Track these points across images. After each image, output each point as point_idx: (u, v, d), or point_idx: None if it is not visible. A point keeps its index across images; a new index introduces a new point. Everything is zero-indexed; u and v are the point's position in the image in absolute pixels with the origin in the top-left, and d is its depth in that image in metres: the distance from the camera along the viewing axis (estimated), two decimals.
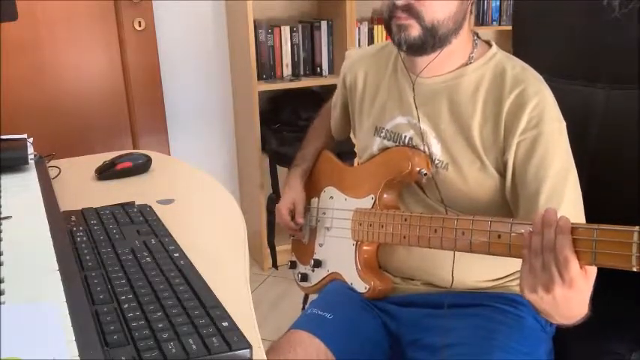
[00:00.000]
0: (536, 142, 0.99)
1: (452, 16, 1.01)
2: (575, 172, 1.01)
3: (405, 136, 1.12)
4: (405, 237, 1.04)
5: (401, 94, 1.13)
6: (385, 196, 1.13)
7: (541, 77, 1.04)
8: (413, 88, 1.09)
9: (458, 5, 1.02)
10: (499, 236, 0.89)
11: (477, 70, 1.06)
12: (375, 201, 1.13)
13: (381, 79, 1.18)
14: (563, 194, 0.98)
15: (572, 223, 0.79)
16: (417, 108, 1.09)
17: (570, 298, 0.80)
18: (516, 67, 1.04)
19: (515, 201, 1.03)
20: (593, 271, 0.79)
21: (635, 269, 0.73)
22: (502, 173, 1.04)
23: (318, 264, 1.26)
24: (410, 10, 0.99)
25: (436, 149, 1.08)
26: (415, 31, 1.00)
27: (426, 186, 1.11)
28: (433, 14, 0.99)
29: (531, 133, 0.99)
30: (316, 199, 1.32)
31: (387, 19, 1.04)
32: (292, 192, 1.34)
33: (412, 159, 1.08)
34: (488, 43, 1.11)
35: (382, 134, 1.16)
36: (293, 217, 1.32)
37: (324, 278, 1.25)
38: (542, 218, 0.80)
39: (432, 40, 1.01)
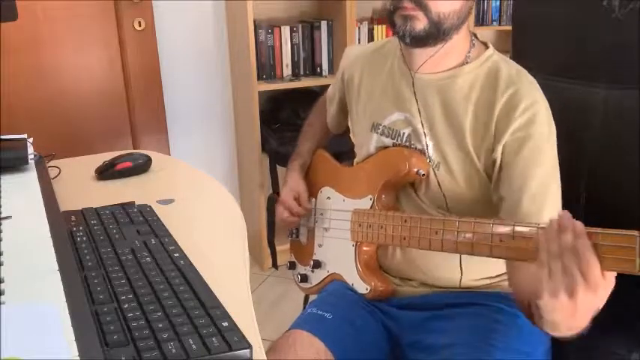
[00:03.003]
0: (524, 143, 0.99)
1: (457, 10, 1.01)
2: (559, 177, 1.01)
3: (404, 133, 1.12)
4: (404, 238, 1.03)
5: (398, 90, 1.13)
6: (384, 196, 1.13)
7: (535, 81, 1.04)
8: (413, 83, 1.09)
9: (463, 2, 1.02)
10: (501, 240, 0.89)
11: (472, 70, 1.06)
12: (373, 201, 1.13)
13: (379, 76, 1.18)
14: (546, 197, 0.98)
15: (586, 228, 0.77)
16: (417, 102, 1.09)
17: (592, 304, 0.78)
18: (511, 70, 1.05)
19: (497, 200, 1.03)
20: (611, 279, 0.77)
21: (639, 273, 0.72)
22: (490, 175, 1.04)
23: (317, 265, 1.26)
24: (417, 1, 0.99)
25: (429, 148, 1.08)
26: (420, 23, 1.00)
27: (419, 186, 1.11)
28: (439, 7, 0.99)
29: (520, 135, 0.99)
30: (313, 199, 1.32)
31: (391, 11, 1.03)
32: (293, 182, 1.33)
33: (409, 159, 1.08)
34: (486, 45, 1.11)
35: (379, 130, 1.16)
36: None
37: (324, 279, 1.25)
38: (558, 223, 0.79)
39: (436, 33, 1.01)
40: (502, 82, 1.03)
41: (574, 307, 0.78)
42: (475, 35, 1.11)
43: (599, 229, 0.76)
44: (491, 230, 0.90)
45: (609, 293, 0.78)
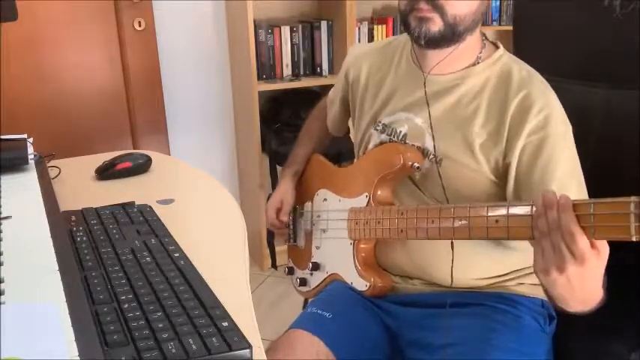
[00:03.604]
0: (541, 145, 0.99)
1: (472, 12, 1.01)
2: (581, 174, 1.01)
3: (400, 131, 1.12)
4: (402, 230, 1.03)
5: (407, 90, 1.12)
6: (379, 193, 1.13)
7: (545, 81, 1.04)
8: (424, 85, 1.09)
9: (479, 4, 1.02)
10: (497, 221, 0.89)
11: (483, 71, 1.06)
12: (369, 199, 1.13)
13: (385, 75, 1.18)
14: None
15: (573, 200, 0.79)
16: (428, 103, 1.08)
17: (583, 277, 0.80)
18: (522, 71, 1.05)
19: None
20: (605, 248, 0.79)
21: (634, 239, 0.72)
22: (499, 176, 1.04)
23: (316, 267, 1.26)
24: (433, 3, 0.99)
25: (429, 145, 1.08)
26: (436, 25, 1.00)
27: (420, 182, 1.11)
28: (455, 9, 0.99)
29: (537, 137, 0.99)
30: (309, 203, 1.32)
31: (406, 12, 1.03)
32: (281, 192, 1.36)
33: (404, 153, 1.08)
34: (495, 45, 1.11)
35: (379, 127, 1.16)
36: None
37: (324, 280, 1.25)
38: (543, 200, 0.81)
39: (451, 36, 1.01)
40: (514, 84, 1.03)
41: (567, 282, 0.80)
42: (485, 35, 1.11)
43: (592, 200, 0.77)
44: (487, 212, 0.90)
45: (604, 263, 0.80)
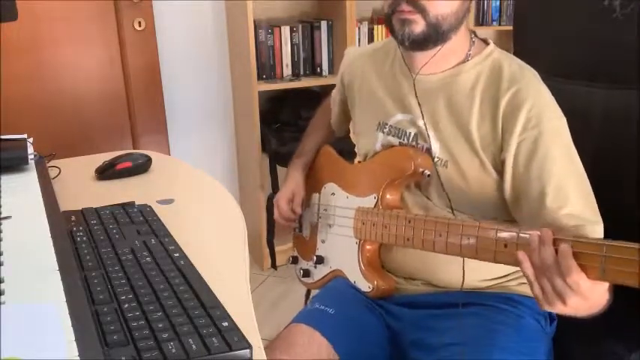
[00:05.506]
0: (537, 141, 0.98)
1: (454, 12, 1.01)
2: (581, 165, 1.00)
3: (410, 133, 1.11)
4: (408, 239, 1.03)
5: (399, 92, 1.13)
6: (388, 196, 1.13)
7: (538, 75, 1.04)
8: (414, 85, 1.09)
9: (460, 3, 1.02)
10: (505, 245, 0.88)
11: (474, 67, 1.06)
12: (377, 200, 1.13)
13: (380, 76, 1.18)
14: (568, 192, 0.97)
15: (576, 237, 0.80)
16: (420, 105, 1.08)
17: (588, 305, 0.83)
18: (513, 65, 1.04)
19: (517, 202, 1.02)
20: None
21: None
22: (500, 171, 1.04)
23: (320, 260, 1.26)
24: (415, 4, 0.99)
25: (435, 147, 1.07)
26: (419, 26, 1.00)
27: (425, 185, 1.11)
28: (437, 9, 0.99)
29: (531, 133, 0.99)
30: (317, 194, 1.32)
31: (389, 14, 1.03)
32: (291, 183, 1.34)
33: (415, 159, 1.08)
34: (485, 42, 1.11)
35: (385, 130, 1.15)
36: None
37: (327, 275, 1.25)
38: (539, 237, 0.82)
39: (435, 36, 1.01)
40: (505, 79, 1.02)
41: (574, 309, 0.82)
42: (474, 33, 1.11)
43: (606, 241, 0.77)
44: (496, 236, 0.89)
45: (607, 286, 0.81)
